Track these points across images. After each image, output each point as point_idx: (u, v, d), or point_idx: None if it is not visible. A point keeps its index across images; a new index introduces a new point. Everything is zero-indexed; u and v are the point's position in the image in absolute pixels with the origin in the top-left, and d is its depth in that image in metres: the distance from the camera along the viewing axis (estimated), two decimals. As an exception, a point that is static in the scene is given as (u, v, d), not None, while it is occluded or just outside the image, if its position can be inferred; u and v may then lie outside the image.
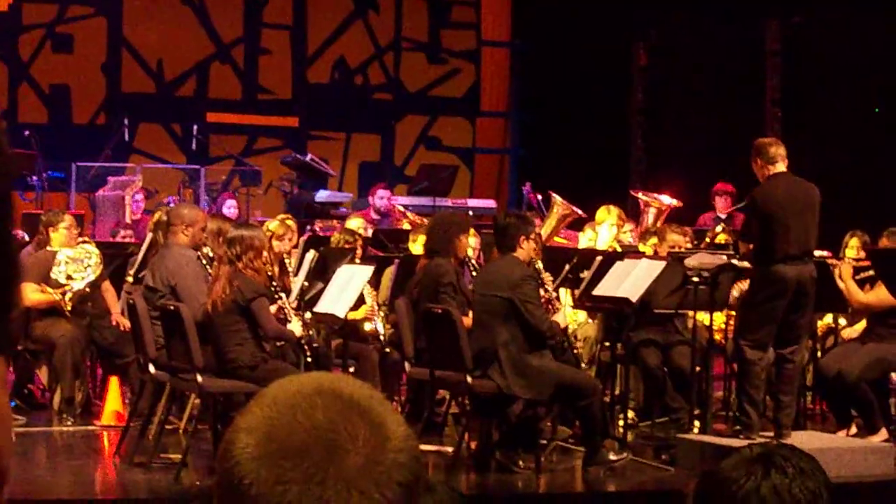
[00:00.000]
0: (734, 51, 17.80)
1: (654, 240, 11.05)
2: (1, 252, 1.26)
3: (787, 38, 17.51)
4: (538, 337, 8.92)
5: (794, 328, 9.35)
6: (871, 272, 10.24)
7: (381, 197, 15.13)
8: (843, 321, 10.98)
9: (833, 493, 2.38)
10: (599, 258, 9.98)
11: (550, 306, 9.39)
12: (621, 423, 10.00)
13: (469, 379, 8.84)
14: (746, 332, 9.35)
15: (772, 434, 9.19)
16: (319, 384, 1.44)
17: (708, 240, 11.87)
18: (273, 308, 9.00)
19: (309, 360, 9.03)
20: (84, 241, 10.88)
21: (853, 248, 10.96)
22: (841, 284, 10.18)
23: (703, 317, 10.21)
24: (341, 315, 9.47)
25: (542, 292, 9.27)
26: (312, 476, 1.38)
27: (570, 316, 10.73)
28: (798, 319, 9.33)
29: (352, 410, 1.41)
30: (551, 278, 9.86)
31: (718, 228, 12.02)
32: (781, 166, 9.32)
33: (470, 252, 10.28)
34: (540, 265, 9.94)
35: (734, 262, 9.63)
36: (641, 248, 11.16)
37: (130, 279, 10.50)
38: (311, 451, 1.39)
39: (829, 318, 11.10)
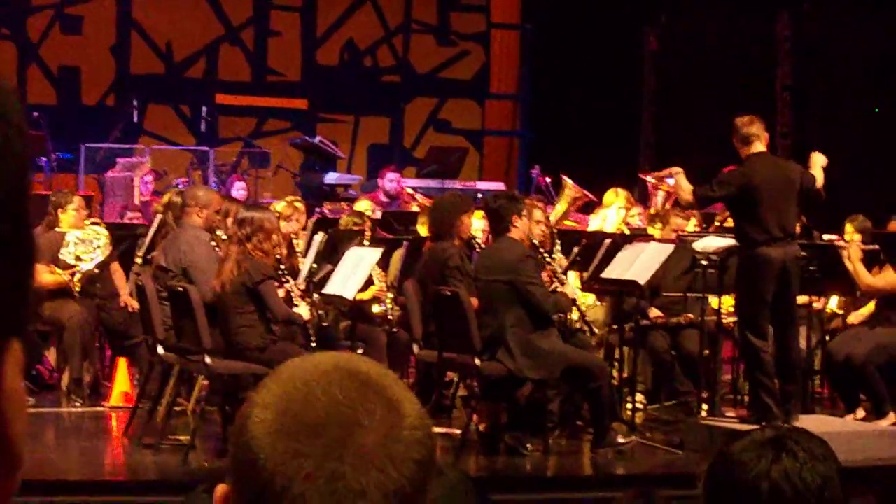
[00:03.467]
0: (745, 36, 17.75)
1: (660, 223, 11.04)
2: (18, 233, 1.25)
3: (798, 24, 17.46)
4: (543, 316, 8.91)
5: (784, 311, 9.27)
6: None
7: (390, 179, 15.10)
8: (839, 311, 10.98)
9: (844, 477, 2.37)
10: (608, 241, 9.96)
11: (556, 280, 9.35)
12: (630, 406, 9.99)
13: (478, 361, 8.84)
14: (748, 321, 9.30)
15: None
16: (336, 362, 1.44)
17: (717, 223, 11.85)
18: (281, 292, 9.00)
19: (314, 344, 9.00)
20: (93, 223, 10.89)
21: (848, 233, 10.90)
22: (850, 266, 10.16)
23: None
24: (350, 297, 9.47)
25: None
26: (330, 452, 1.37)
27: (578, 298, 10.73)
28: (787, 302, 9.26)
29: (368, 388, 1.41)
30: (565, 260, 9.85)
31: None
32: (758, 146, 9.18)
33: (479, 234, 10.27)
34: (558, 248, 9.95)
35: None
36: (650, 231, 11.15)
37: (139, 260, 10.50)
38: (329, 426, 1.38)
39: (833, 304, 11.10)
